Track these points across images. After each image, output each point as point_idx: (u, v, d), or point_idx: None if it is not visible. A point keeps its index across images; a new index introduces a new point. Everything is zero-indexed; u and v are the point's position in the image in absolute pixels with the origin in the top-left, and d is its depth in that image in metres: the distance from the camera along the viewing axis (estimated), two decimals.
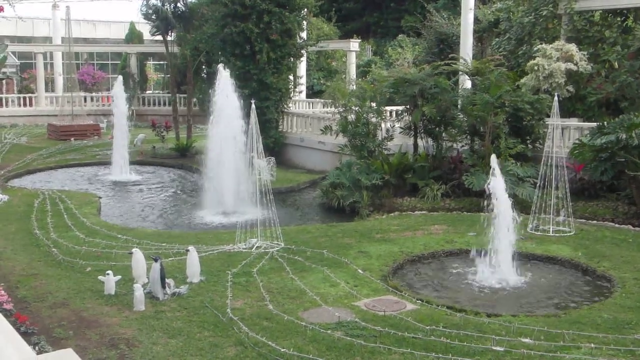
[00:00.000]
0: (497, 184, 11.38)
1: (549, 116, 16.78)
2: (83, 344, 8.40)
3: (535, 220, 14.44)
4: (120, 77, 25.87)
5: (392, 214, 16.32)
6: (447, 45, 30.63)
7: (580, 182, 16.92)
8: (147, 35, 36.96)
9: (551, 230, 14.24)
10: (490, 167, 11.62)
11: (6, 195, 17.93)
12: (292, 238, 13.57)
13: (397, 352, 8.11)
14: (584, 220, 15.20)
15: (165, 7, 27.96)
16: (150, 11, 28.17)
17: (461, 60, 21.63)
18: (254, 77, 23.75)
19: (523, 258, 12.23)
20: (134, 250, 10.87)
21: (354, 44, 35.96)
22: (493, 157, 11.68)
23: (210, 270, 11.33)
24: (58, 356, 3.72)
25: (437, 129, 18.99)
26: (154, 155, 26.50)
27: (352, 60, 35.92)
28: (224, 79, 17.33)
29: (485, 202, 11.59)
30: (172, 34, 29.38)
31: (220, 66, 17.83)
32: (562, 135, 16.89)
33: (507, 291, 10.99)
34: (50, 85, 42.99)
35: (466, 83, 23.14)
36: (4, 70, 39.13)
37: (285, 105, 25.77)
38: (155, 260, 10.08)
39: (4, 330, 4.03)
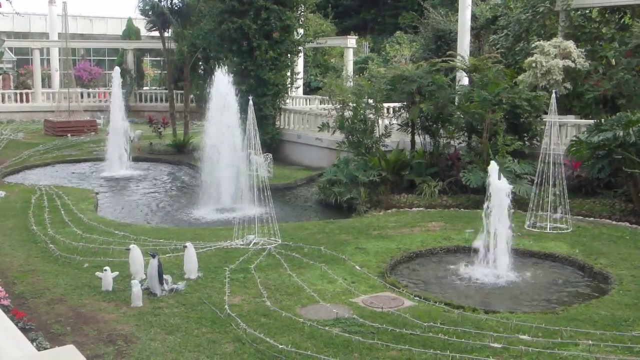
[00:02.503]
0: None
1: (546, 113, 16.79)
2: (81, 340, 8.39)
3: (533, 217, 14.46)
4: (117, 69, 25.78)
5: (389, 211, 16.32)
6: (444, 42, 30.63)
7: (577, 179, 16.95)
8: (144, 32, 36.93)
9: (548, 227, 14.26)
10: (487, 164, 11.65)
11: (3, 191, 17.90)
12: (290, 234, 13.57)
13: (395, 348, 8.11)
14: (581, 218, 15.22)
15: (162, 3, 27.91)
16: (148, 7, 28.13)
17: (458, 57, 21.63)
18: (251, 73, 23.72)
19: (520, 255, 12.25)
20: (131, 246, 10.85)
21: (351, 41, 35.96)
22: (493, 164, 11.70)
23: (208, 267, 11.32)
24: (59, 353, 3.70)
25: (434, 125, 19.00)
26: (151, 151, 26.46)
27: (350, 57, 35.90)
28: (221, 77, 17.33)
29: (485, 203, 11.59)
30: (169, 30, 29.33)
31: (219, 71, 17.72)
32: (560, 133, 16.93)
33: (505, 288, 11.00)
34: (47, 81, 42.90)
35: (463, 80, 23.14)
36: (0, 66, 39.02)
37: (282, 102, 25.76)
38: (153, 257, 10.07)
39: (5, 327, 4.02)
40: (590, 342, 8.24)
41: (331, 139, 21.09)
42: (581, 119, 19.61)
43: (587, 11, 23.68)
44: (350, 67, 35.28)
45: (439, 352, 7.98)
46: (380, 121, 19.89)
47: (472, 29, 27.18)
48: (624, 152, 14.82)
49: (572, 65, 20.30)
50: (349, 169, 17.71)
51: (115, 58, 44.84)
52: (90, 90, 40.75)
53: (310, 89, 37.32)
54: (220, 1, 23.82)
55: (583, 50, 21.14)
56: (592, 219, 15.26)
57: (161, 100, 38.95)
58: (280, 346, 8.06)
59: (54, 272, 11.09)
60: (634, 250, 12.71)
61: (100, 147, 25.25)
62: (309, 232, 14.00)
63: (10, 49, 41.29)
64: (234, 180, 17.17)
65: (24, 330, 8.34)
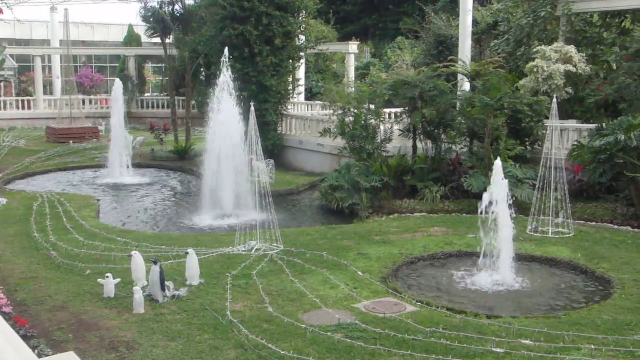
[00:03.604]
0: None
1: (547, 118, 16.80)
2: (82, 346, 8.39)
3: (534, 221, 14.45)
4: (118, 80, 25.86)
5: (391, 216, 16.32)
6: (445, 47, 30.65)
7: (579, 183, 16.94)
8: (145, 38, 36.99)
9: (550, 231, 14.25)
10: (489, 170, 11.63)
11: (5, 198, 17.91)
12: (292, 240, 13.56)
13: (397, 354, 8.11)
14: (582, 222, 15.21)
15: (163, 9, 27.96)
16: (149, 14, 28.19)
17: (460, 62, 21.64)
18: (253, 79, 23.74)
19: (522, 260, 12.23)
20: (133, 252, 10.84)
21: (353, 46, 36.01)
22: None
23: (210, 273, 11.32)
24: (60, 359, 3.71)
25: (436, 131, 18.99)
26: (152, 157, 26.47)
27: (351, 63, 35.94)
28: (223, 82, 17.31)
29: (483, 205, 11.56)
30: (171, 36, 29.37)
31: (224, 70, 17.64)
32: (561, 137, 16.92)
33: (507, 293, 10.98)
34: (48, 87, 42.96)
35: (465, 85, 23.15)
36: (2, 73, 39.09)
37: (284, 108, 25.77)
38: (155, 263, 10.08)
39: (5, 334, 4.02)
40: (592, 346, 8.23)
41: (333, 144, 21.10)
42: (582, 123, 19.61)
43: (588, 16, 23.68)
44: (351, 73, 35.30)
45: (441, 357, 7.98)
46: (381, 126, 19.90)
47: (473, 34, 27.21)
48: (626, 157, 14.82)
49: (573, 69, 20.30)
50: (350, 174, 17.69)
51: (117, 65, 44.93)
52: (92, 97, 40.80)
53: (311, 95, 37.35)
54: (221, 7, 23.85)
55: (584, 54, 21.14)
56: (593, 223, 15.24)
57: (162, 107, 38.97)
58: (282, 352, 8.06)
59: (56, 279, 11.09)
60: (636, 254, 12.70)
61: (102, 154, 25.29)
62: (310, 238, 14.00)
63: (11, 56, 41.37)
64: (235, 186, 17.17)
65: (25, 337, 8.34)
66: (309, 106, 32.20)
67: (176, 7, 28.48)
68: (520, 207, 15.11)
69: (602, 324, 9.17)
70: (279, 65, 24.31)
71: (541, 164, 14.66)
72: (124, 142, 23.36)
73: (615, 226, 14.93)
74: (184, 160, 25.82)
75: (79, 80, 41.14)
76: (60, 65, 40.53)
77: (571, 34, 22.80)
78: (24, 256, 12.53)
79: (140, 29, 39.04)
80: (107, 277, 10.26)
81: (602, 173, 15.42)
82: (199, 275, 10.95)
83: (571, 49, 20.69)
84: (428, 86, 18.36)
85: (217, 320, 9.26)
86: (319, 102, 29.53)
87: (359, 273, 11.42)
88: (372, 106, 19.36)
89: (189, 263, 10.90)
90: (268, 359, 8.00)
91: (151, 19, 28.26)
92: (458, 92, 20.88)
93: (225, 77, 16.86)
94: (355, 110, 19.25)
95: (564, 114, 19.04)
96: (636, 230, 14.54)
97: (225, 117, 17.07)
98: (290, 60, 25.55)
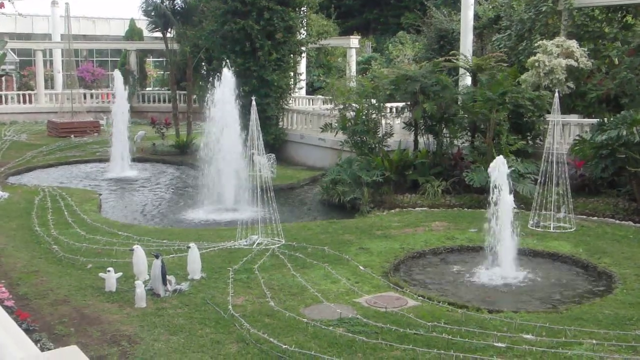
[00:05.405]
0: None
1: (549, 112, 16.77)
2: (84, 340, 8.40)
3: (536, 216, 14.44)
4: (118, 72, 25.85)
5: (392, 211, 16.31)
6: (447, 41, 30.62)
7: (580, 178, 16.92)
8: (147, 32, 36.89)
9: (552, 226, 14.24)
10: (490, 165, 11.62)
11: (6, 192, 17.90)
12: (293, 235, 13.57)
13: (398, 348, 8.11)
14: (584, 217, 15.20)
15: (164, 3, 27.92)
16: (150, 8, 28.15)
17: (461, 57, 21.61)
18: (254, 74, 23.72)
19: (524, 254, 12.22)
20: (135, 247, 10.86)
21: (354, 41, 35.94)
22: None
23: (212, 267, 11.33)
24: (63, 353, 3.70)
25: (437, 125, 18.97)
26: (153, 152, 26.46)
27: (353, 57, 35.88)
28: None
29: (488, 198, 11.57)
30: (172, 30, 29.34)
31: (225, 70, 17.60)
32: (563, 132, 16.89)
33: (508, 287, 10.98)
34: (49, 82, 42.88)
35: (466, 80, 23.12)
36: (3, 67, 39.07)
37: (285, 102, 25.75)
38: (157, 257, 10.08)
39: (8, 328, 4.02)
40: (594, 341, 8.22)
41: (334, 139, 21.09)
42: (584, 118, 19.59)
43: (590, 10, 23.65)
44: (353, 67, 35.24)
45: (442, 351, 7.98)
46: (383, 121, 19.88)
47: (474, 28, 27.19)
48: (628, 151, 14.80)
49: (575, 64, 20.27)
50: (352, 169, 17.69)
51: (118, 59, 44.87)
52: (93, 91, 40.79)
53: (313, 89, 37.31)
54: (222, 2, 23.83)
55: (586, 49, 21.12)
56: (595, 218, 15.24)
57: (164, 101, 38.93)
58: (284, 346, 8.07)
59: (58, 273, 11.10)
60: (638, 249, 12.69)
61: (104, 148, 25.28)
62: (312, 232, 14.00)
63: (12, 50, 41.35)
64: (237, 181, 17.17)
65: (27, 331, 8.36)
66: (311, 101, 32.18)
67: (177, 1, 28.43)
68: (522, 202, 15.11)
69: (604, 319, 9.16)
70: (280, 60, 24.29)
71: (543, 159, 14.64)
72: (125, 136, 23.38)
73: (617, 221, 14.92)
74: (185, 154, 25.79)
75: (81, 75, 41.11)
76: (62, 60, 40.48)
77: (573, 29, 22.79)
78: (26, 250, 12.54)
79: (143, 23, 38.91)
80: (109, 271, 10.27)
81: (604, 168, 15.40)
82: (200, 269, 10.96)
83: (573, 44, 20.66)
84: (430, 81, 18.33)
85: (219, 314, 9.27)
86: (320, 96, 29.52)
87: (361, 267, 11.43)
88: (373, 101, 19.33)
89: (191, 257, 10.91)
90: (269, 353, 8.01)
91: (152, 14, 28.21)
92: (460, 87, 20.85)
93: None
94: (357, 105, 19.23)
95: (565, 109, 19.01)
96: (638, 225, 14.54)
97: (227, 112, 17.09)
98: (292, 55, 25.52)
